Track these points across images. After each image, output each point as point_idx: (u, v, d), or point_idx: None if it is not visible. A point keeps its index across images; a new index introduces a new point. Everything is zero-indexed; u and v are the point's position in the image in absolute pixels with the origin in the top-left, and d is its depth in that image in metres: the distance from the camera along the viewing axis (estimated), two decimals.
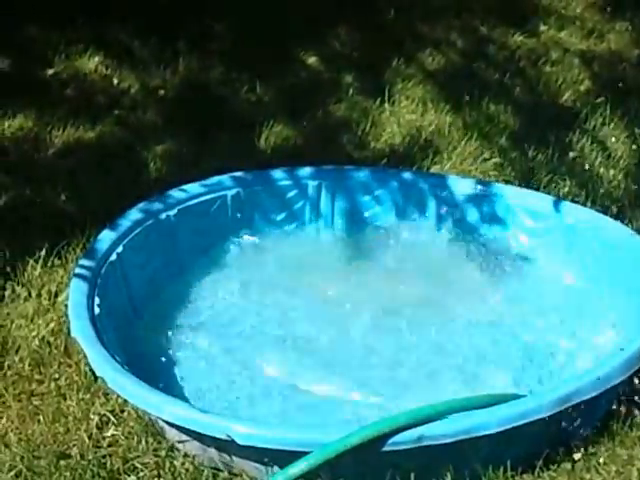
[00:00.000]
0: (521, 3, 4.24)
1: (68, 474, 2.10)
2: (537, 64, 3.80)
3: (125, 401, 2.23)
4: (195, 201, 2.75)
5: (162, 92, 3.57)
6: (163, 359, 2.45)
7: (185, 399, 2.28)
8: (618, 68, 3.83)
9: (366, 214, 2.90)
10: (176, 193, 2.77)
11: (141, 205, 2.70)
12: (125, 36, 3.79)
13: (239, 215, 2.81)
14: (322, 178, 2.88)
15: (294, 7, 3.97)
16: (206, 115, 3.41)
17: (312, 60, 3.78)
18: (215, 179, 2.82)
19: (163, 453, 2.15)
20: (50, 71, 3.63)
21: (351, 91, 3.58)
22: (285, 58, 3.74)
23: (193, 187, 2.78)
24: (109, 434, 2.19)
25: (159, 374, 2.36)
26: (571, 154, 3.27)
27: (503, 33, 3.99)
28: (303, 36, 3.85)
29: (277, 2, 3.98)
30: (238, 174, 2.85)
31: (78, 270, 2.47)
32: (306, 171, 2.90)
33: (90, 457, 2.13)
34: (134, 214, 2.67)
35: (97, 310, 2.36)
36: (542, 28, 4.06)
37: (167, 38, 3.76)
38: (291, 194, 2.87)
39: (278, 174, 2.88)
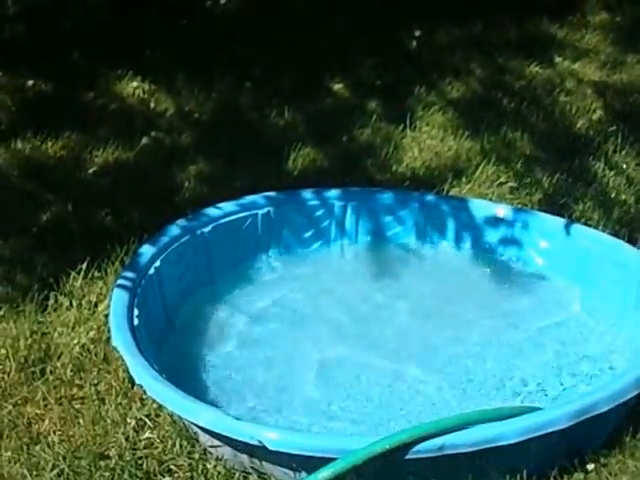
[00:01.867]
0: (537, 35, 4.31)
1: (107, 474, 2.19)
2: (552, 93, 3.88)
3: (160, 406, 2.32)
4: (228, 219, 2.86)
5: (196, 116, 3.68)
6: (193, 369, 2.53)
7: (215, 406, 2.34)
8: (630, 98, 3.91)
9: (389, 233, 3.01)
10: (211, 211, 2.88)
11: (179, 222, 2.82)
12: (162, 62, 3.90)
13: (269, 232, 2.92)
14: (348, 199, 2.99)
15: (321, 37, 4.08)
16: (237, 138, 3.51)
17: (338, 87, 3.89)
18: (247, 198, 2.93)
19: (196, 456, 2.23)
20: (91, 94, 3.76)
21: (375, 117, 3.67)
22: (313, 85, 3.85)
23: (226, 205, 2.89)
24: (145, 437, 2.28)
25: (189, 382, 2.43)
26: (584, 179, 3.35)
27: (520, 64, 4.07)
28: (330, 64, 3.95)
29: (305, 31, 4.08)
30: (268, 194, 2.97)
31: (119, 282, 2.58)
32: (333, 192, 3.01)
33: (128, 458, 2.22)
34: (172, 230, 2.78)
35: (136, 321, 2.46)
36: (557, 59, 4.14)
37: (201, 65, 3.88)
38: (318, 213, 2.98)
39: (306, 194, 2.99)
